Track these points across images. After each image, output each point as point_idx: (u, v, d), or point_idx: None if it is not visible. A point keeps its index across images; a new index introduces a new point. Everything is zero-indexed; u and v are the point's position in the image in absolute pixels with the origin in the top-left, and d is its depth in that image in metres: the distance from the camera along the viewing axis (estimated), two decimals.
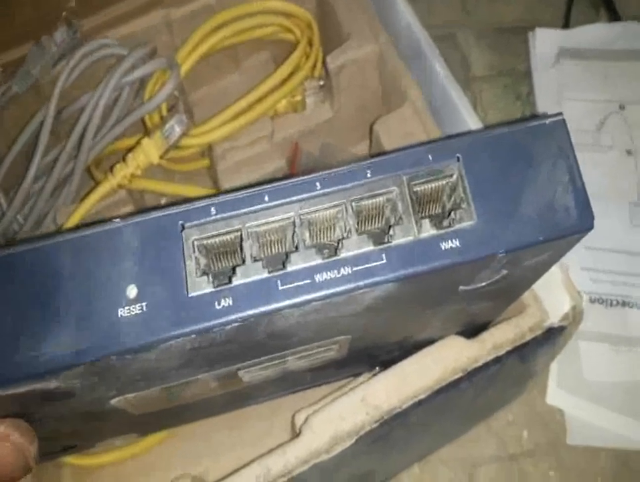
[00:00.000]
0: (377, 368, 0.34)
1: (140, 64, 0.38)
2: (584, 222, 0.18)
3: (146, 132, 0.39)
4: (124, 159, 0.38)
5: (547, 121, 0.18)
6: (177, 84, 0.37)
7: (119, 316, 0.19)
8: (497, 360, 0.29)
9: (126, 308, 0.19)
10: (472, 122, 0.32)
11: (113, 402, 0.25)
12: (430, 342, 0.29)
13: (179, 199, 0.43)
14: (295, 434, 0.29)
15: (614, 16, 0.51)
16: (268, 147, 0.40)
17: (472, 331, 0.30)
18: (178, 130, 0.37)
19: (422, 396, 0.28)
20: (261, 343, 0.22)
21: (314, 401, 0.30)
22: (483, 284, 0.22)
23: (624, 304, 0.43)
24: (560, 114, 0.18)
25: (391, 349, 0.31)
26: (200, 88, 0.44)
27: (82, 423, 0.29)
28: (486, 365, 0.28)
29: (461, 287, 0.22)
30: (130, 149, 0.39)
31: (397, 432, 0.31)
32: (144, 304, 0.19)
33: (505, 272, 0.21)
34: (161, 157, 0.38)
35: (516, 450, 0.41)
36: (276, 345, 0.23)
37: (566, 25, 0.51)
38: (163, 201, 0.46)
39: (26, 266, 0.19)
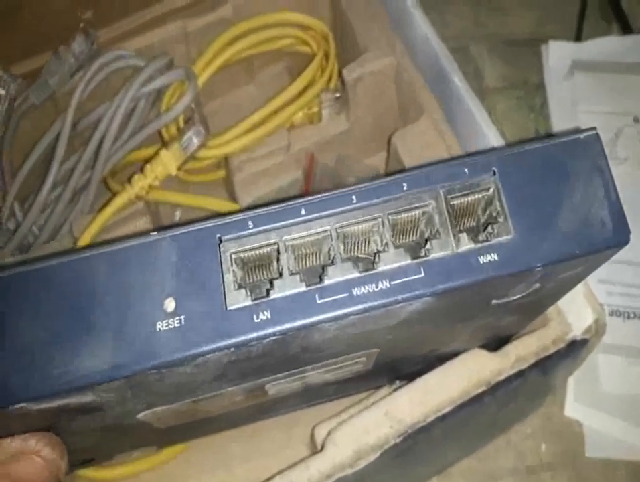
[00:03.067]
0: (397, 381, 0.34)
1: (158, 75, 0.38)
2: (619, 236, 0.19)
3: (164, 144, 0.39)
4: (142, 170, 0.38)
5: (582, 135, 0.19)
6: (195, 95, 0.37)
7: (157, 329, 0.19)
8: (520, 373, 0.29)
9: (164, 321, 0.19)
10: (492, 136, 0.33)
11: (140, 416, 0.25)
12: (454, 355, 0.29)
13: (194, 210, 0.43)
14: (315, 448, 0.29)
15: (626, 29, 0.52)
16: (284, 159, 0.40)
17: (496, 344, 0.30)
18: (196, 141, 0.37)
19: (446, 410, 0.28)
20: (294, 356, 0.22)
21: (332, 414, 0.30)
22: (516, 297, 0.22)
23: None
24: (594, 128, 0.18)
25: (416, 362, 0.31)
26: (215, 99, 0.44)
27: (105, 437, 0.29)
28: (509, 379, 0.28)
29: (493, 301, 0.22)
30: (147, 160, 0.39)
31: (420, 446, 0.31)
32: (182, 317, 0.19)
33: (537, 285, 0.21)
34: (179, 169, 0.39)
35: (535, 463, 0.41)
36: (308, 358, 0.23)
37: (578, 38, 0.52)
38: (178, 212, 0.46)
39: (62, 279, 0.19)
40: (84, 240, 0.38)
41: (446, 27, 0.49)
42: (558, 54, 0.50)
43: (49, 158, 0.41)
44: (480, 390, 0.28)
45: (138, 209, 0.40)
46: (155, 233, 0.19)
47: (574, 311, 0.29)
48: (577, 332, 0.29)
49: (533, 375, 0.30)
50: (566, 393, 0.42)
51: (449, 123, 0.35)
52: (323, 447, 0.28)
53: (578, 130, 0.19)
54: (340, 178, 0.43)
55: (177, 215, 0.46)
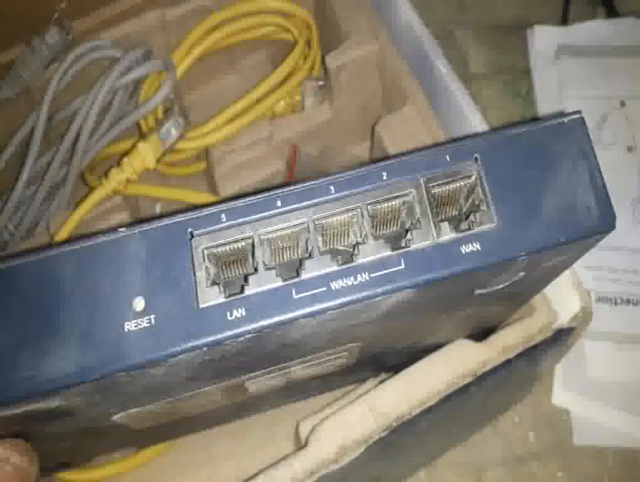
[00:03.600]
0: (382, 374, 0.34)
1: (135, 66, 0.37)
2: (605, 222, 0.18)
3: (142, 136, 0.38)
4: (119, 164, 0.37)
5: (566, 120, 0.18)
6: (173, 86, 0.36)
7: (126, 330, 0.18)
8: (507, 363, 0.28)
9: (133, 321, 0.18)
10: (477, 122, 0.32)
11: (115, 418, 0.24)
12: (439, 346, 0.28)
13: (175, 204, 0.42)
14: (300, 444, 0.28)
15: (612, 12, 0.51)
16: (266, 150, 0.39)
17: (481, 333, 0.29)
18: (175, 133, 0.36)
19: (432, 402, 0.27)
20: (272, 353, 0.21)
21: (317, 409, 0.29)
22: (500, 286, 0.21)
23: (628, 302, 0.43)
24: (579, 112, 0.18)
25: (400, 354, 0.31)
26: (195, 89, 0.43)
27: (81, 440, 0.28)
28: (495, 369, 0.28)
29: (477, 290, 0.21)
30: (125, 154, 0.38)
31: (406, 439, 0.30)
32: (152, 316, 0.18)
33: (522, 274, 0.20)
34: (158, 161, 0.37)
35: (523, 452, 0.40)
36: (287, 354, 0.23)
37: (564, 22, 0.51)
38: (158, 206, 0.45)
39: (26, 278, 0.18)
40: (61, 237, 0.37)
41: (430, 12, 0.48)
42: (544, 39, 0.49)
43: (24, 153, 0.40)
44: (466, 381, 0.27)
45: (117, 203, 0.39)
46: (124, 229, 0.18)
47: (561, 299, 0.29)
48: (563, 320, 0.29)
49: (520, 365, 0.29)
50: (553, 381, 0.41)
51: (434, 110, 0.34)
52: (306, 444, 0.27)
53: (562, 114, 0.18)
54: (324, 168, 0.42)
55: (158, 209, 0.45)
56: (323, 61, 0.37)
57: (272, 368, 0.25)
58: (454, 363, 0.28)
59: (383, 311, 0.20)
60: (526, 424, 0.41)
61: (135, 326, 0.18)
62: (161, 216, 0.18)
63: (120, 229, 0.18)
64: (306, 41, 0.38)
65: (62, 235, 0.37)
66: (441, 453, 0.41)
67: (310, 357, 0.25)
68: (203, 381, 0.23)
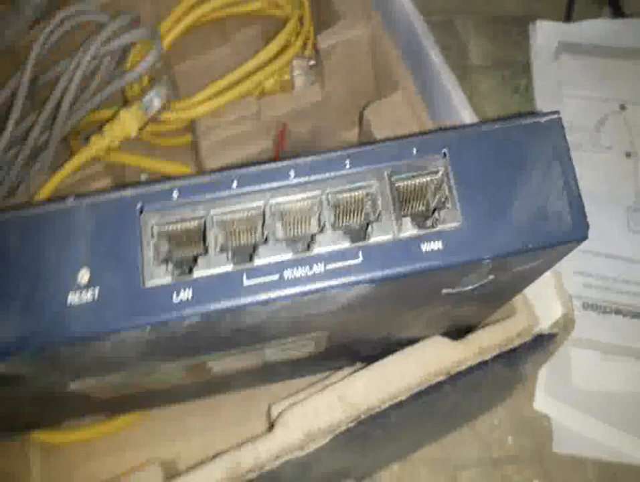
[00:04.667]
0: (357, 363, 0.33)
1: (121, 33, 0.35)
2: (577, 231, 0.17)
3: (125, 104, 0.37)
4: (100, 130, 0.36)
5: (543, 120, 0.17)
6: (157, 56, 0.35)
7: (68, 302, 0.17)
8: (483, 364, 0.27)
9: (77, 293, 0.17)
10: (466, 114, 0.31)
11: (72, 386, 0.24)
12: (414, 341, 0.28)
13: (159, 175, 0.41)
14: (269, 427, 0.28)
15: (617, 12, 0.49)
16: (254, 126, 0.38)
17: (458, 332, 0.29)
18: (157, 103, 0.35)
19: (402, 397, 0.26)
20: (227, 337, 0.21)
21: (295, 391, 0.29)
22: (469, 288, 0.21)
23: (617, 312, 0.42)
24: (557, 112, 0.17)
25: (374, 345, 0.30)
26: (186, 60, 0.42)
27: (43, 404, 0.28)
28: (471, 369, 0.27)
29: (445, 290, 0.21)
30: (108, 120, 0.37)
31: (376, 432, 0.30)
32: (96, 291, 0.17)
33: (492, 277, 0.20)
34: (140, 130, 0.37)
35: (500, 455, 0.40)
36: (244, 339, 0.22)
37: (568, 18, 0.50)
38: (143, 177, 0.44)
39: None
40: (40, 198, 0.36)
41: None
42: (546, 34, 0.47)
43: (6, 114, 0.39)
44: (439, 379, 0.27)
45: (99, 170, 0.39)
46: (72, 199, 0.17)
47: (542, 303, 0.28)
48: (544, 325, 0.28)
49: (497, 367, 0.28)
50: (536, 385, 0.40)
51: (424, 99, 0.33)
52: (272, 427, 0.27)
53: (539, 114, 0.17)
54: (313, 150, 0.41)
55: (142, 179, 0.45)
56: (314, 41, 0.36)
57: (232, 351, 0.24)
58: (427, 360, 0.27)
59: (343, 304, 0.19)
60: (505, 427, 0.40)
61: (78, 298, 0.17)
62: (112, 188, 0.17)
63: (69, 199, 0.17)
64: (298, 18, 0.37)
65: (41, 196, 0.36)
66: (415, 449, 0.40)
67: (272, 342, 0.24)
68: (158, 359, 0.23)
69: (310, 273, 0.17)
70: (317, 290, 0.17)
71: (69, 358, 0.19)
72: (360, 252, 0.17)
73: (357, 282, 0.17)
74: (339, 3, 0.34)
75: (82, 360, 0.20)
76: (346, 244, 0.17)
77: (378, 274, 0.17)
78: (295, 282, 0.17)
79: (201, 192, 0.17)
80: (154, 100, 0.34)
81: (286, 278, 0.17)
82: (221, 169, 0.17)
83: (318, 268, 0.17)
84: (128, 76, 0.35)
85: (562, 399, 0.40)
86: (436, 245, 0.17)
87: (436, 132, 0.17)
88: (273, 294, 0.17)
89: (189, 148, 0.42)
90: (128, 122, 0.35)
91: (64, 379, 0.23)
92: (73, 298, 0.17)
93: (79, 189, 0.38)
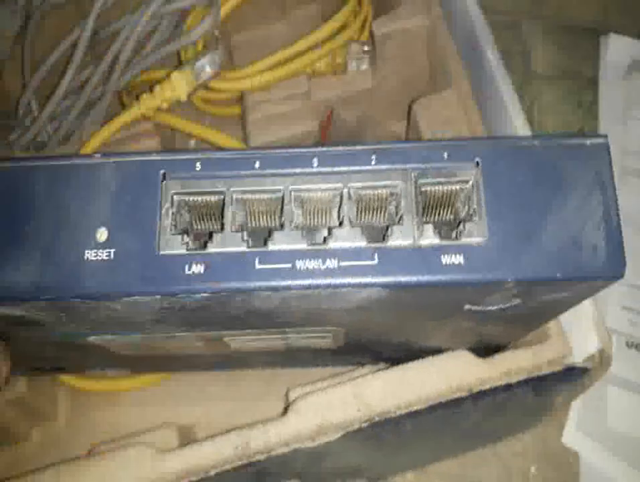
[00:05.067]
0: (381, 363, 0.32)
1: None
2: (612, 268, 0.16)
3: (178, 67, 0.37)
4: (151, 90, 0.37)
5: (588, 142, 0.16)
6: (214, 22, 0.35)
7: (85, 258, 0.17)
8: (508, 387, 0.26)
9: (94, 251, 0.17)
10: (518, 122, 0.30)
11: (91, 339, 0.24)
12: (439, 351, 0.27)
13: (207, 143, 0.41)
14: (284, 411, 0.28)
15: None
16: (301, 106, 0.38)
17: (486, 349, 0.28)
18: (209, 69, 0.35)
19: (419, 407, 0.26)
20: (240, 317, 0.21)
21: (317, 379, 0.28)
22: (493, 308, 0.20)
23: None
24: (605, 136, 0.16)
25: (394, 348, 0.29)
26: (244, 31, 0.42)
27: (65, 350, 0.28)
28: (494, 390, 0.26)
29: (467, 306, 0.20)
30: (160, 81, 0.37)
31: (389, 436, 0.29)
32: (112, 251, 0.17)
33: (518, 301, 0.19)
34: (190, 95, 0.37)
35: None
36: (259, 322, 0.22)
37: None
38: (192, 142, 0.45)
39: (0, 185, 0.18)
40: (89, 148, 0.37)
41: None
42: (619, 49, 0.44)
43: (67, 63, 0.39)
44: (459, 394, 0.26)
45: (148, 129, 0.39)
46: (99, 155, 0.18)
47: (578, 335, 0.26)
48: (577, 358, 0.26)
49: (523, 393, 0.27)
50: (567, 418, 0.38)
51: (477, 100, 0.32)
52: (286, 413, 0.26)
53: (585, 135, 0.16)
54: (359, 138, 0.41)
55: (192, 144, 0.45)
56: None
57: (248, 331, 0.24)
58: (449, 373, 0.26)
59: (357, 304, 0.19)
60: (529, 455, 0.38)
61: (95, 256, 0.17)
62: (138, 152, 0.17)
63: (96, 155, 0.18)
64: (358, 0, 0.36)
65: (90, 146, 0.37)
66: (432, 461, 0.39)
67: (287, 329, 0.24)
68: (173, 327, 0.23)
69: (323, 267, 0.17)
70: (328, 286, 0.17)
71: (84, 312, 0.20)
72: (376, 254, 0.16)
73: (370, 285, 0.17)
74: None
75: (96, 316, 0.20)
76: (363, 243, 0.17)
77: (392, 279, 0.16)
78: (307, 273, 0.17)
79: (224, 168, 0.17)
80: (206, 66, 0.34)
81: (298, 268, 0.17)
82: (251, 148, 0.16)
83: (332, 263, 0.17)
84: (184, 39, 0.35)
85: (594, 437, 0.38)
86: (457, 259, 0.16)
87: (472, 139, 0.16)
88: (283, 282, 0.17)
89: (239, 120, 0.42)
90: (178, 85, 0.35)
91: (82, 331, 0.23)
92: (90, 254, 0.17)
93: (128, 144, 0.39)
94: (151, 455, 0.27)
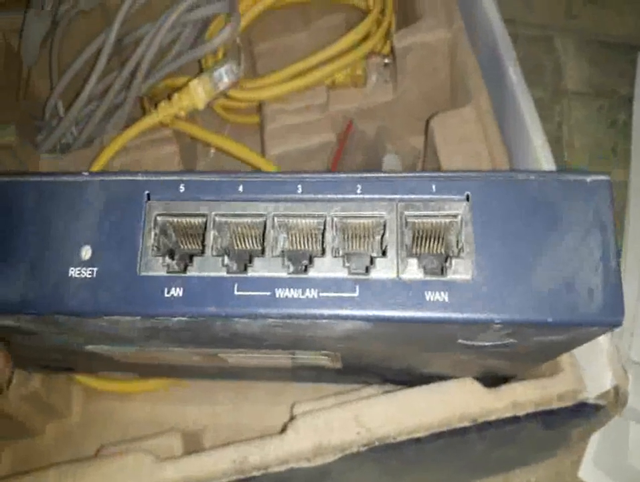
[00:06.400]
0: (387, 384, 0.31)
1: (203, 4, 0.35)
2: (609, 315, 0.15)
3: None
4: (169, 98, 0.37)
5: (588, 179, 0.15)
6: (233, 31, 0.35)
7: (69, 275, 0.17)
8: (515, 419, 0.25)
9: (77, 269, 0.17)
10: (538, 142, 0.28)
11: (88, 348, 0.24)
12: (445, 377, 0.26)
13: (222, 151, 0.41)
14: (283, 428, 0.27)
15: None
16: (320, 117, 0.38)
17: (494, 379, 0.26)
18: (226, 79, 0.35)
19: (420, 434, 0.25)
20: (227, 338, 0.20)
21: (326, 394, 0.28)
22: (487, 344, 0.19)
23: None
24: (606, 173, 0.15)
25: (396, 373, 0.28)
26: (267, 41, 0.42)
27: (69, 355, 0.29)
28: (501, 422, 0.25)
29: (460, 340, 0.19)
30: (179, 88, 0.37)
31: (393, 461, 0.28)
32: (95, 269, 0.17)
33: (512, 340, 0.18)
34: (209, 104, 0.37)
35: None
36: (246, 343, 0.21)
37: None
38: (212, 151, 0.45)
39: None
40: (107, 153, 0.37)
41: (532, 11, 0.42)
42: None
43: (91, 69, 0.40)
44: (463, 424, 0.25)
45: (166, 136, 0.39)
46: (86, 172, 0.17)
47: (592, 370, 0.25)
48: (590, 394, 0.25)
49: (533, 426, 0.26)
50: (584, 453, 0.36)
51: (498, 119, 0.31)
52: (284, 430, 0.26)
53: (586, 172, 0.15)
54: (377, 151, 0.40)
55: (211, 154, 0.45)
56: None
57: (240, 350, 0.24)
58: (453, 402, 0.25)
59: (342, 334, 0.18)
60: None
61: (78, 273, 0.17)
62: (125, 171, 0.17)
63: (83, 173, 0.17)
64: (380, 11, 0.35)
65: (106, 153, 0.38)
66: None
67: (279, 351, 0.24)
68: (163, 343, 0.23)
69: (302, 297, 0.16)
70: (307, 316, 0.16)
71: (72, 327, 0.20)
72: (358, 286, 0.16)
73: (350, 317, 0.16)
74: (422, 1, 0.32)
75: (85, 330, 0.20)
76: (344, 274, 0.16)
77: (372, 313, 0.16)
78: (286, 302, 0.16)
79: (207, 191, 0.17)
80: (224, 75, 0.34)
81: (277, 296, 0.16)
82: (225, 172, 0.16)
83: (311, 293, 0.16)
84: (205, 48, 0.35)
85: (612, 475, 0.36)
86: (442, 296, 0.15)
87: (463, 172, 0.15)
88: (262, 311, 0.16)
89: (257, 129, 0.42)
90: (196, 94, 0.35)
91: (76, 341, 0.24)
92: (74, 272, 0.17)
93: (147, 150, 0.39)
94: (150, 463, 0.27)
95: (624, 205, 0.37)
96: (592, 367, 0.25)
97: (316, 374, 0.31)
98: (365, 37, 0.35)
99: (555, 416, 0.25)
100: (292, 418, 0.26)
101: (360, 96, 0.37)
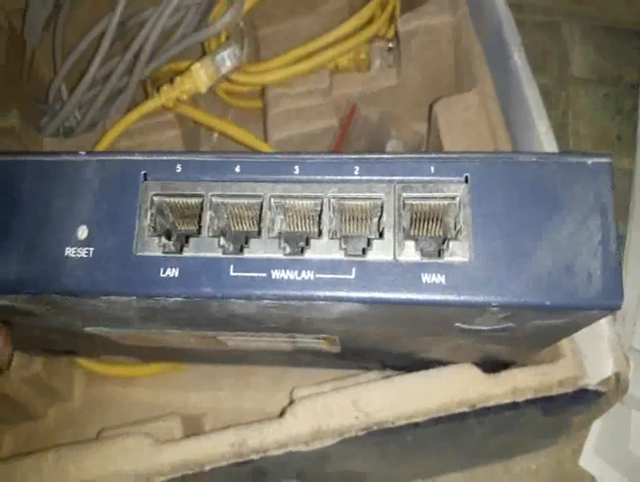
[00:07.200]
0: (387, 369, 0.32)
1: None
2: (607, 298, 0.15)
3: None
4: (171, 81, 0.37)
5: (589, 161, 0.15)
6: (236, 14, 0.34)
7: (65, 255, 0.17)
8: (514, 405, 0.25)
9: (74, 248, 0.17)
10: (543, 129, 0.28)
11: (87, 329, 0.25)
12: (444, 363, 0.26)
13: (224, 135, 0.41)
14: (282, 412, 0.27)
15: None
16: (322, 102, 0.37)
17: (494, 364, 0.26)
18: (229, 63, 0.34)
19: (418, 419, 0.25)
20: (225, 319, 0.20)
21: (326, 379, 0.28)
22: (485, 328, 0.19)
23: None
24: (608, 155, 0.14)
25: (395, 358, 0.28)
26: (270, 25, 0.41)
27: (69, 337, 0.29)
28: (500, 408, 0.25)
29: (457, 324, 0.19)
30: (181, 72, 0.37)
31: (392, 446, 0.28)
32: (91, 249, 0.17)
33: (510, 324, 0.17)
34: (211, 88, 0.37)
35: None
36: (244, 325, 0.21)
37: None
38: (215, 135, 0.45)
39: None
40: (110, 136, 0.37)
41: None
42: None
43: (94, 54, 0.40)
44: (462, 410, 0.25)
45: (169, 119, 0.39)
46: (84, 152, 0.17)
47: (593, 356, 0.25)
48: (591, 381, 0.25)
49: (533, 412, 0.26)
50: (585, 441, 0.36)
51: (501, 102, 0.30)
52: (283, 414, 0.26)
53: (586, 154, 0.15)
54: (380, 137, 0.39)
55: (214, 138, 0.45)
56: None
57: (238, 332, 0.24)
58: (452, 388, 0.25)
59: (338, 316, 0.18)
60: (543, 474, 0.37)
61: (74, 253, 0.17)
62: (122, 151, 0.17)
63: (81, 152, 0.17)
64: None
65: (109, 136, 0.38)
66: (439, 472, 0.38)
67: (278, 334, 0.24)
68: (161, 325, 0.23)
69: (298, 278, 0.16)
70: (303, 297, 0.16)
71: (69, 307, 0.20)
72: (354, 268, 0.16)
73: (346, 299, 0.16)
74: None
75: (82, 310, 0.20)
76: (341, 256, 0.16)
77: (369, 295, 0.15)
78: (282, 284, 0.16)
79: (204, 171, 0.16)
80: (227, 59, 0.34)
81: (273, 277, 0.16)
82: (222, 152, 0.16)
83: (308, 274, 0.16)
84: (207, 31, 0.35)
85: (612, 462, 0.36)
86: (438, 278, 0.15)
87: (462, 153, 0.15)
88: (258, 292, 0.16)
89: (260, 114, 0.42)
90: (198, 77, 0.35)
91: (74, 323, 0.24)
92: (70, 251, 0.17)
93: (150, 134, 0.39)
94: (149, 445, 0.27)
95: (630, 193, 0.36)
96: (593, 354, 0.25)
97: (316, 359, 0.31)
98: (369, 21, 0.35)
99: (555, 403, 0.25)
100: (291, 402, 0.26)
101: (363, 81, 0.36)
